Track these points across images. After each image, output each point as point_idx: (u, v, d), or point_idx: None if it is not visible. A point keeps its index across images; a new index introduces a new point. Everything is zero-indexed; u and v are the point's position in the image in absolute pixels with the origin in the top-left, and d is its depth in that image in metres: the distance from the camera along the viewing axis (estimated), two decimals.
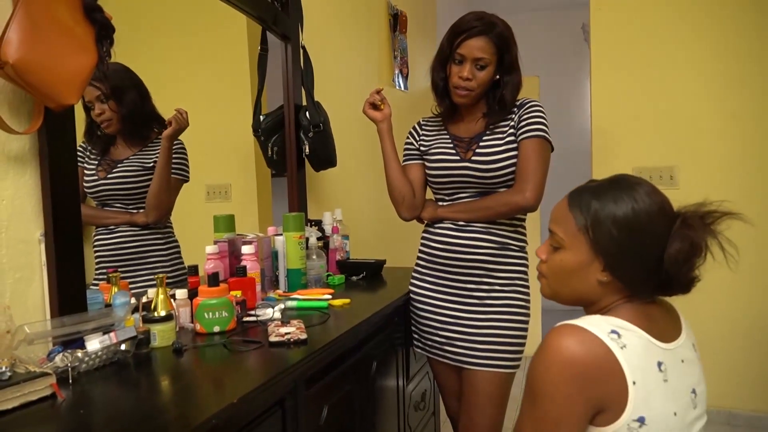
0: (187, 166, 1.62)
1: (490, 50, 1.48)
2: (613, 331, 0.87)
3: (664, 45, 2.68)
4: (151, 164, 1.53)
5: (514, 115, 1.54)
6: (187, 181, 1.62)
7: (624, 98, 2.75)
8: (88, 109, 1.45)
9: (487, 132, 1.55)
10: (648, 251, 0.91)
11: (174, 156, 1.56)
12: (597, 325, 0.88)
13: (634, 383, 0.85)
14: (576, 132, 4.80)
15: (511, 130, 1.53)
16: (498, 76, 1.53)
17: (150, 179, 1.52)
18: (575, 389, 0.84)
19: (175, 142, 1.57)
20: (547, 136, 1.51)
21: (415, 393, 1.81)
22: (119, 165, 1.50)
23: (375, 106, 1.71)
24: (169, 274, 1.43)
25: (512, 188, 1.51)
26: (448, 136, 1.62)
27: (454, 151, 1.57)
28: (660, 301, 0.99)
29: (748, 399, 2.64)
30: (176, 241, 1.61)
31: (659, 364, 0.89)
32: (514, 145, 1.51)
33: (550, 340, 0.88)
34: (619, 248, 0.91)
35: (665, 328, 0.95)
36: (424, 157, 1.65)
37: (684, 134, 2.67)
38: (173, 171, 1.56)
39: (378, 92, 1.70)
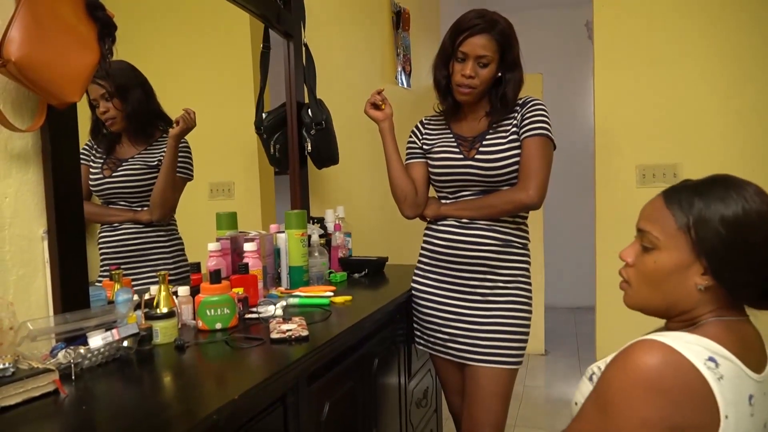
0: (192, 165, 1.63)
1: (492, 48, 1.48)
2: (711, 359, 0.79)
3: (667, 42, 2.67)
4: (156, 163, 1.54)
5: (516, 114, 1.54)
6: (191, 179, 1.62)
7: (627, 96, 2.75)
8: (93, 107, 1.46)
9: (490, 131, 1.55)
10: (759, 254, 0.83)
11: (179, 155, 1.57)
12: (691, 348, 0.79)
13: (726, 417, 0.78)
14: (579, 129, 4.79)
15: (514, 129, 1.53)
16: (500, 74, 1.53)
17: (154, 178, 1.53)
18: (658, 415, 0.77)
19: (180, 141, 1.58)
20: (549, 134, 1.51)
21: (417, 390, 1.81)
22: (124, 163, 1.51)
23: (376, 106, 1.71)
24: (171, 271, 1.44)
25: (516, 186, 1.51)
26: (451, 135, 1.62)
27: (457, 150, 1.58)
28: (752, 324, 0.91)
29: None
30: (180, 238, 1.62)
31: (750, 397, 0.82)
32: (518, 143, 1.52)
33: (636, 357, 0.80)
34: (727, 249, 0.83)
35: (757, 355, 0.87)
36: (428, 155, 1.65)
37: (687, 132, 2.66)
38: (178, 170, 1.57)
39: (379, 92, 1.70)
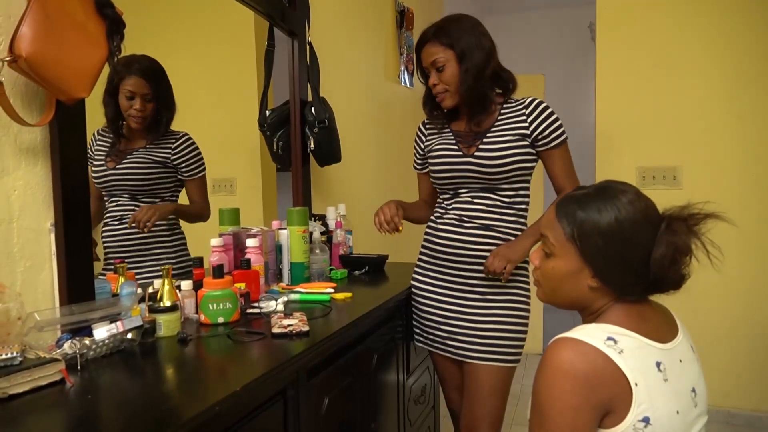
0: (203, 157, 1.67)
1: (440, 50, 1.54)
2: (609, 338, 0.90)
3: (670, 44, 2.68)
4: (160, 158, 1.56)
5: (524, 116, 1.55)
6: (206, 169, 1.69)
7: (629, 98, 2.76)
8: (113, 96, 1.47)
9: (492, 129, 1.56)
10: (634, 257, 0.93)
11: (189, 154, 1.62)
12: (592, 334, 0.90)
13: (636, 385, 0.87)
14: (580, 130, 4.78)
15: (520, 130, 1.54)
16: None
17: (158, 172, 1.56)
18: (581, 399, 0.86)
19: (185, 139, 1.62)
20: (566, 137, 1.56)
21: (415, 387, 1.83)
22: (128, 156, 1.53)
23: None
24: (174, 265, 1.46)
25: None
26: (450, 133, 1.64)
27: (456, 147, 1.59)
28: (653, 302, 1.01)
29: (748, 399, 2.66)
30: (182, 232, 1.64)
31: (658, 364, 0.91)
32: (521, 145, 1.52)
33: (550, 356, 0.90)
34: (605, 257, 0.95)
35: (660, 329, 0.97)
36: (428, 155, 1.66)
37: (688, 134, 2.68)
38: (197, 169, 1.65)
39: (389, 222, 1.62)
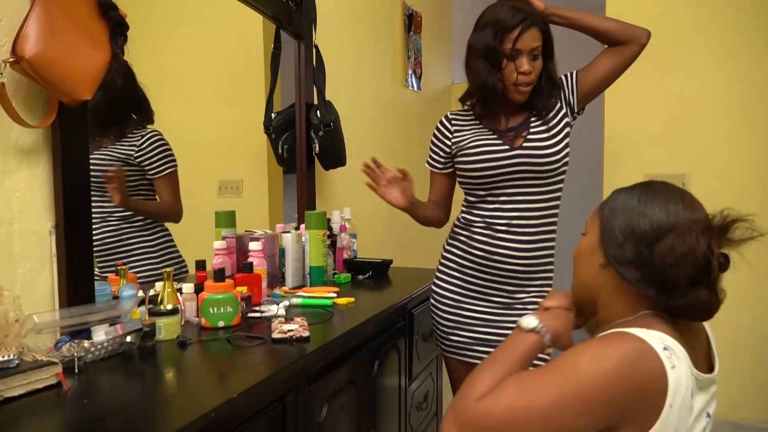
0: (172, 154, 1.58)
1: (541, 38, 1.43)
2: (665, 348, 0.80)
3: (678, 50, 2.66)
4: (121, 155, 1.50)
5: (559, 94, 1.49)
6: (176, 166, 1.59)
7: (637, 104, 2.73)
8: None
9: (533, 118, 1.46)
10: (644, 235, 0.86)
11: (154, 151, 1.55)
12: (650, 337, 0.81)
13: (670, 406, 0.79)
14: (588, 137, 4.76)
15: (563, 108, 1.47)
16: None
17: (127, 171, 1.50)
18: (606, 396, 0.77)
19: (150, 136, 1.54)
20: None
21: (417, 393, 1.82)
22: (95, 152, 1.44)
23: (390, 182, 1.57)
24: (157, 265, 1.43)
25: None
26: (485, 129, 1.49)
27: (499, 141, 1.44)
28: (694, 327, 0.94)
29: (755, 410, 2.62)
30: (166, 230, 1.59)
31: (692, 392, 0.83)
32: (567, 128, 1.46)
33: (616, 343, 0.81)
34: (618, 230, 0.88)
35: (698, 352, 0.90)
36: (460, 153, 1.49)
37: (697, 141, 2.65)
38: (164, 167, 1.56)
39: (377, 166, 1.60)
